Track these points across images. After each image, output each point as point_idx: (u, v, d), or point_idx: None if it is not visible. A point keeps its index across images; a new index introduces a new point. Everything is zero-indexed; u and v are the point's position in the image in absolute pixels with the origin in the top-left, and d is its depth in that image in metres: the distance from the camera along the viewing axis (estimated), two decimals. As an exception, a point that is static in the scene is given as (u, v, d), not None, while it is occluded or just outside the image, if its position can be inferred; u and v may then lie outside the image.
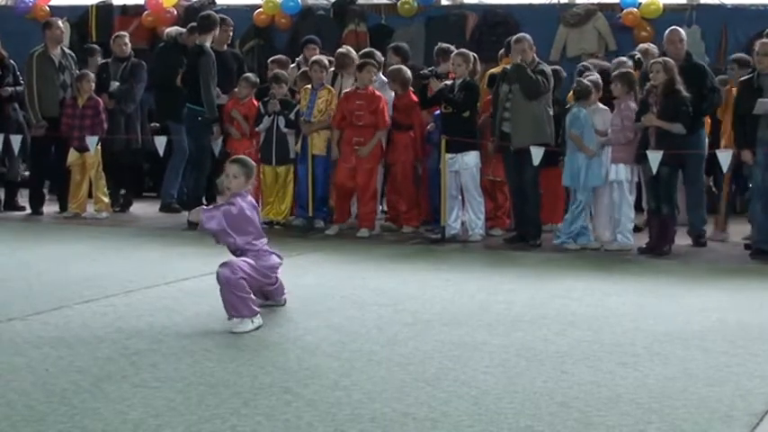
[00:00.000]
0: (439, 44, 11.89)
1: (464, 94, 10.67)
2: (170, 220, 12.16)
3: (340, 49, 12.16)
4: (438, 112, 11.07)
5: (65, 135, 12.35)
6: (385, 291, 8.19)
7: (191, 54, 11.85)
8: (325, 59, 11.66)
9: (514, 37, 10.81)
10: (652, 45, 11.90)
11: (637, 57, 11.56)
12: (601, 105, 10.52)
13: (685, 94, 9.88)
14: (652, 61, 10.30)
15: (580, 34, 14.21)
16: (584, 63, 11.91)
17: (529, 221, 10.64)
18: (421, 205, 11.48)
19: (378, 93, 11.08)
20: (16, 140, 12.54)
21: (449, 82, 10.87)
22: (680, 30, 10.87)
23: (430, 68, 11.33)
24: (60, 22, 13.14)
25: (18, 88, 12.82)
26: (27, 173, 13.45)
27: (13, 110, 12.87)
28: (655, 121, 9.88)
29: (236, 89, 11.92)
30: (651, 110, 9.89)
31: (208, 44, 11.66)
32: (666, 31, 10.89)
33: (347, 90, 11.26)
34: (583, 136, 10.22)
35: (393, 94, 11.29)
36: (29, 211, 12.79)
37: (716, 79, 10.73)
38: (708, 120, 11.02)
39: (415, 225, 11.34)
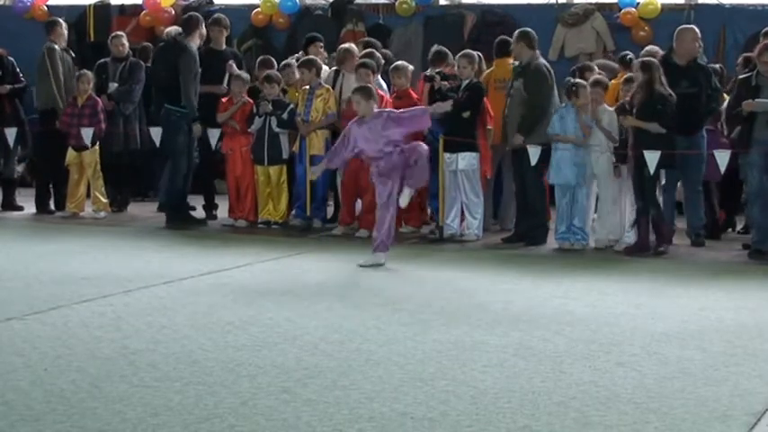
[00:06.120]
0: (435, 47, 11.85)
1: (467, 95, 10.67)
2: (168, 220, 12.15)
3: (342, 45, 12.14)
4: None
5: (63, 134, 12.36)
6: (383, 290, 8.19)
7: (175, 53, 11.78)
8: (317, 59, 11.64)
9: (517, 31, 10.86)
10: (658, 49, 11.84)
11: (628, 57, 11.54)
12: (607, 106, 10.51)
13: (665, 92, 9.86)
14: (634, 61, 10.30)
15: (578, 34, 14.20)
16: (587, 63, 11.93)
17: (529, 222, 10.65)
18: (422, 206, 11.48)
19: (380, 93, 11.06)
20: (11, 136, 12.57)
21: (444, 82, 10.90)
22: (694, 28, 10.83)
23: (437, 71, 11.29)
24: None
25: (17, 86, 12.86)
26: (20, 169, 13.51)
27: (14, 108, 12.88)
28: (632, 122, 9.89)
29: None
30: (632, 110, 9.94)
31: (193, 44, 11.66)
32: (680, 29, 10.84)
33: (349, 93, 11.24)
34: (566, 134, 10.24)
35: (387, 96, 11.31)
36: (34, 210, 12.78)
37: (716, 80, 10.72)
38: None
39: (417, 225, 11.34)
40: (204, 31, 11.97)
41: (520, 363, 5.99)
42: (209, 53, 12.15)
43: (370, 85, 10.00)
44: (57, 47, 12.77)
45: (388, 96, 11.23)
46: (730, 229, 11.63)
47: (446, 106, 10.58)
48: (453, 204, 10.84)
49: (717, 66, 11.77)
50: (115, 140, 12.76)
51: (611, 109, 10.47)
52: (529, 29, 10.87)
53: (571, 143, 10.20)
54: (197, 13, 12.44)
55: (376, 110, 9.48)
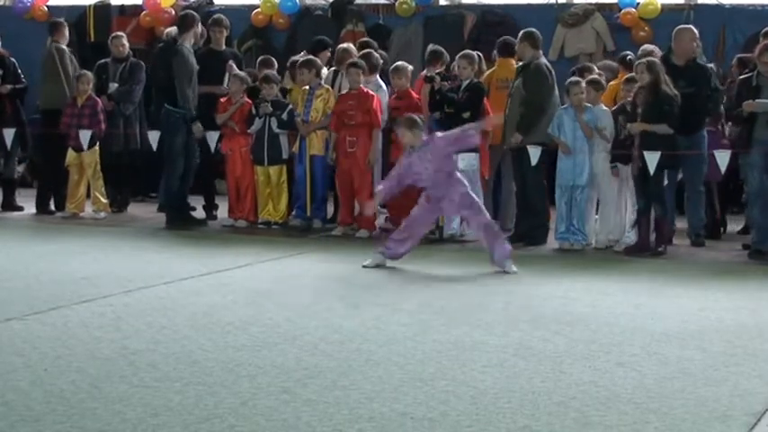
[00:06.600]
0: (430, 46, 11.85)
1: (467, 95, 10.67)
2: (168, 220, 12.15)
3: (341, 45, 12.14)
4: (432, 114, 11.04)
5: (63, 134, 12.37)
6: (383, 290, 8.19)
7: (172, 54, 11.76)
8: (317, 59, 11.64)
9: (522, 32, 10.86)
10: (655, 47, 11.84)
11: (628, 57, 11.54)
12: (603, 106, 10.50)
13: (671, 93, 9.86)
14: (637, 62, 10.31)
15: (578, 34, 14.21)
16: (587, 63, 11.92)
17: (529, 222, 10.65)
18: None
19: (370, 92, 11.07)
20: (11, 136, 12.57)
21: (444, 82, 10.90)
22: (692, 28, 10.83)
23: (438, 71, 11.27)
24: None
25: (18, 86, 12.88)
26: (20, 169, 13.53)
27: (15, 109, 12.89)
28: (641, 126, 9.88)
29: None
30: (636, 111, 9.94)
31: (187, 44, 11.65)
32: (678, 29, 10.83)
33: (343, 92, 11.27)
34: (564, 135, 10.24)
35: (387, 97, 11.30)
36: (34, 210, 12.78)
37: (716, 80, 10.75)
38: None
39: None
40: (200, 29, 11.98)
41: (520, 363, 5.99)
42: (209, 53, 12.16)
43: (415, 116, 9.55)
44: (62, 45, 12.82)
45: (387, 97, 11.25)
46: (721, 228, 11.60)
47: (498, 119, 10.46)
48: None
49: (711, 65, 11.75)
50: (115, 141, 12.77)
51: (606, 109, 10.48)
52: (534, 29, 10.88)
53: (564, 151, 10.21)
54: (193, 12, 12.43)
55: (424, 137, 9.19)
